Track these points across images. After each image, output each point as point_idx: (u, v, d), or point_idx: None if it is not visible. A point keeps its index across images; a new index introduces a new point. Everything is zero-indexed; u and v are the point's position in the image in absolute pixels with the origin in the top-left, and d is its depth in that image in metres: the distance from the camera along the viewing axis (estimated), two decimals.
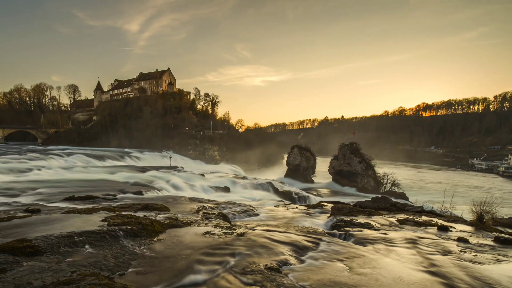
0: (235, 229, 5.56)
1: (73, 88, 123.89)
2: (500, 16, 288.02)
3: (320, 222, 7.67)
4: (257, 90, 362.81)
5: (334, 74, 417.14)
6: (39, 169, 30.14)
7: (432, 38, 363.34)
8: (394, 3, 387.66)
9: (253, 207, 9.98)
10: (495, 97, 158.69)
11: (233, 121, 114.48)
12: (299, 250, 4.68)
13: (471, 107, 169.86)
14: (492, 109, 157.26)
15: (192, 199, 11.12)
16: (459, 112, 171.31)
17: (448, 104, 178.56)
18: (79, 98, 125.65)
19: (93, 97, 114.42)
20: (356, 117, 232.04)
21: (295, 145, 70.47)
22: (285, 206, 10.98)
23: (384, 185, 55.17)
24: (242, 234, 5.20)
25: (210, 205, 9.31)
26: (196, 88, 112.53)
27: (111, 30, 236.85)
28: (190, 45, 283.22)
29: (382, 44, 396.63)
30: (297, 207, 10.45)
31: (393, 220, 7.30)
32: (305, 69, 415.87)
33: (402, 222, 7.08)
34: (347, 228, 6.35)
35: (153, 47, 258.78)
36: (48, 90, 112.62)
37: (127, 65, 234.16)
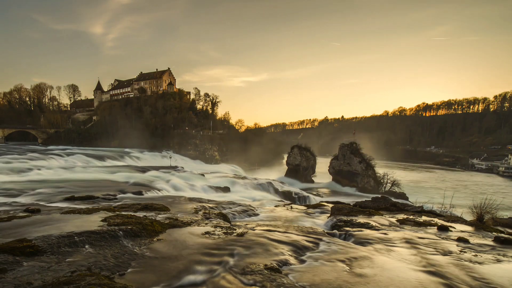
0: (235, 229, 5.56)
1: (73, 88, 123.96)
2: (500, 15, 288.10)
3: (320, 222, 7.67)
4: (239, 91, 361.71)
5: (308, 74, 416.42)
6: (39, 169, 30.12)
7: (432, 38, 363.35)
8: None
9: (253, 207, 9.98)
10: (495, 97, 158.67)
11: (233, 121, 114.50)
12: (299, 250, 4.68)
13: (471, 107, 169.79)
14: (492, 109, 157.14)
15: (192, 199, 11.13)
16: (459, 112, 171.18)
17: (448, 104, 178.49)
18: (79, 98, 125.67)
19: (93, 97, 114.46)
20: (356, 117, 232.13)
21: (295, 145, 70.42)
22: (285, 206, 10.98)
23: (384, 185, 55.17)
24: (242, 234, 5.19)
25: (210, 205, 9.31)
26: (196, 88, 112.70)
27: (77, 33, 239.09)
28: (155, 46, 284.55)
29: (380, 41, 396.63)
30: (297, 207, 10.45)
31: (393, 220, 7.30)
32: (281, 68, 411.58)
33: (402, 222, 7.08)
34: (347, 228, 6.35)
35: (120, 49, 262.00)
36: (48, 90, 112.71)
37: (99, 67, 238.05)
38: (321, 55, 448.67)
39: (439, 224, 6.66)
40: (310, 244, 4.99)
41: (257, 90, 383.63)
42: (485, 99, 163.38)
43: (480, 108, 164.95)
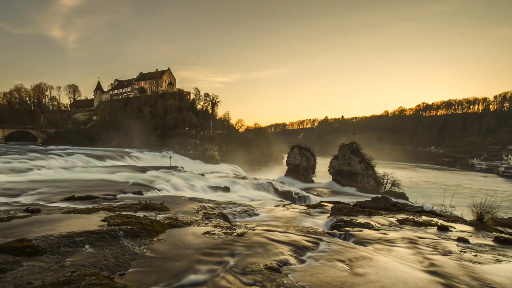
0: (235, 229, 5.56)
1: (73, 88, 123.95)
2: (501, 15, 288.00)
3: (320, 222, 7.67)
4: (220, 91, 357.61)
5: (281, 75, 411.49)
6: (39, 169, 30.12)
7: (433, 36, 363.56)
8: None
9: (253, 207, 9.98)
10: (495, 97, 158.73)
11: (233, 121, 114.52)
12: (299, 250, 4.68)
13: (471, 107, 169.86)
14: (492, 109, 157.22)
15: (192, 199, 11.12)
16: (459, 112, 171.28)
17: (448, 104, 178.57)
18: (79, 98, 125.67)
19: (93, 97, 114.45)
20: (356, 117, 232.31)
21: (295, 145, 70.44)
22: (285, 206, 10.98)
23: (384, 185, 55.17)
24: (242, 234, 5.20)
25: (210, 205, 9.31)
26: (196, 88, 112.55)
27: (37, 37, 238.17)
28: (115, 48, 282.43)
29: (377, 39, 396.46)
30: (297, 207, 10.45)
31: (393, 220, 7.30)
32: (254, 69, 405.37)
33: (402, 222, 7.08)
34: (347, 228, 6.35)
35: (83, 51, 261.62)
36: (48, 90, 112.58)
37: (101, 67, 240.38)
38: (316, 52, 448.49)
39: (439, 224, 6.66)
40: (310, 244, 4.99)
41: (240, 90, 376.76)
42: (485, 99, 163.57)
43: (480, 108, 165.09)
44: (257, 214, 8.86)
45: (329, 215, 8.22)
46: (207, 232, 5.24)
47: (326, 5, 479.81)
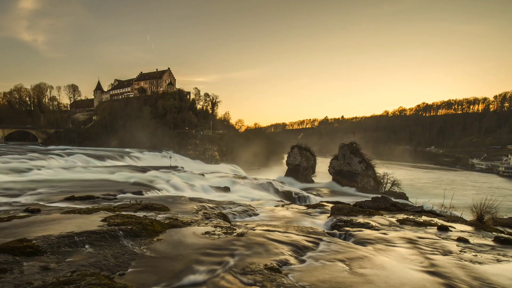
0: (235, 229, 5.56)
1: (73, 88, 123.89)
2: (499, 14, 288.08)
3: (320, 222, 7.67)
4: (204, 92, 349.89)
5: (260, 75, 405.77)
6: (39, 169, 30.10)
7: (433, 38, 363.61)
8: None
9: (253, 207, 9.98)
10: (495, 97, 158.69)
11: (233, 121, 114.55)
12: (299, 250, 4.68)
13: (471, 107, 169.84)
14: (492, 109, 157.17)
15: (192, 199, 11.12)
16: (459, 112, 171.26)
17: (448, 104, 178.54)
18: (79, 98, 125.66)
19: (93, 97, 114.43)
20: (356, 117, 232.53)
21: (295, 145, 70.40)
22: (285, 206, 10.98)
23: (384, 185, 55.16)
24: (242, 234, 5.20)
25: (210, 205, 9.32)
26: (196, 88, 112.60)
27: (9, 40, 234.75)
28: (83, 49, 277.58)
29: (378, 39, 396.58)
30: (297, 207, 10.45)
31: (393, 220, 7.30)
32: (233, 69, 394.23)
33: (402, 222, 7.08)
34: (347, 228, 6.35)
35: (57, 52, 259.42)
36: (48, 90, 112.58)
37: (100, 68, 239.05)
38: (316, 52, 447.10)
39: (439, 224, 6.66)
40: (310, 244, 4.99)
41: (225, 90, 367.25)
42: (485, 99, 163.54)
43: (480, 108, 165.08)
44: (257, 214, 8.86)
45: (329, 215, 8.22)
46: (207, 232, 5.24)
47: (327, 1, 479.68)
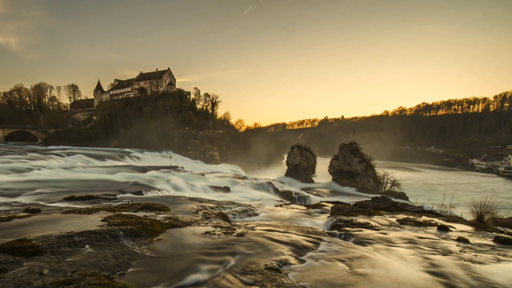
0: (235, 229, 5.56)
1: (73, 88, 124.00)
2: (501, 15, 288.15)
3: (320, 222, 7.67)
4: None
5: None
6: (39, 169, 30.14)
7: (433, 38, 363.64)
8: None
9: (253, 207, 9.98)
10: (495, 97, 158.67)
11: (233, 121, 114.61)
12: (299, 250, 4.68)
13: (471, 107, 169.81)
14: (492, 109, 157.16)
15: (192, 199, 11.12)
16: (459, 112, 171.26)
17: (448, 104, 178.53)
18: (79, 98, 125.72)
19: (93, 97, 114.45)
20: (356, 117, 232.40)
21: (295, 145, 70.44)
22: (285, 206, 10.98)
23: (384, 185, 55.17)
24: (242, 234, 5.20)
25: (210, 205, 9.31)
26: (196, 88, 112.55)
27: None
28: (54, 51, 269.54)
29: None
30: (297, 207, 10.45)
31: (393, 220, 7.30)
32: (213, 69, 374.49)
33: (402, 222, 7.08)
34: (347, 228, 6.35)
35: (31, 53, 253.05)
36: (48, 90, 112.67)
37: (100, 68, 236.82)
38: (316, 52, 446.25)
39: (439, 224, 6.66)
40: (310, 244, 4.99)
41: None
42: (485, 99, 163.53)
43: (480, 108, 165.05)
44: (257, 214, 8.86)
45: (329, 215, 8.22)
46: (207, 232, 5.24)
47: (329, 3, 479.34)
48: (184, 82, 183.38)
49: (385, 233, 5.88)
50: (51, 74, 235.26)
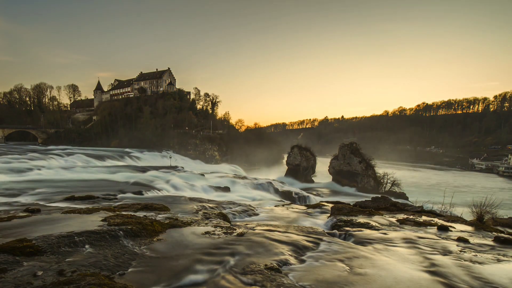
0: (235, 229, 5.56)
1: (73, 88, 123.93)
2: (501, 15, 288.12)
3: (320, 222, 7.67)
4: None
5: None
6: (39, 169, 30.13)
7: (433, 37, 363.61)
8: None
9: (253, 207, 9.98)
10: (495, 97, 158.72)
11: (233, 121, 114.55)
12: (299, 250, 4.68)
13: (471, 107, 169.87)
14: (492, 109, 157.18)
15: (192, 199, 11.13)
16: (459, 112, 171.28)
17: (448, 104, 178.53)
18: (79, 98, 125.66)
19: (93, 97, 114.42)
20: (356, 117, 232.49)
21: (295, 145, 70.39)
22: (285, 206, 10.98)
23: (384, 185, 55.12)
24: (242, 234, 5.20)
25: (210, 205, 9.32)
26: (196, 88, 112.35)
27: None
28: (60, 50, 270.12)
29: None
30: (297, 207, 10.45)
31: (393, 220, 7.30)
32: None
33: (402, 222, 7.08)
34: (347, 228, 6.35)
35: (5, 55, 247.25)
36: (48, 90, 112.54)
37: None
38: (317, 52, 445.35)
39: (439, 224, 6.66)
40: (310, 244, 4.99)
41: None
42: (485, 99, 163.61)
43: (480, 108, 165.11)
44: (257, 214, 8.86)
45: (329, 215, 8.22)
46: (207, 232, 5.24)
47: (329, 3, 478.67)
48: (184, 82, 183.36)
49: (385, 233, 5.88)
50: (51, 74, 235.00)
